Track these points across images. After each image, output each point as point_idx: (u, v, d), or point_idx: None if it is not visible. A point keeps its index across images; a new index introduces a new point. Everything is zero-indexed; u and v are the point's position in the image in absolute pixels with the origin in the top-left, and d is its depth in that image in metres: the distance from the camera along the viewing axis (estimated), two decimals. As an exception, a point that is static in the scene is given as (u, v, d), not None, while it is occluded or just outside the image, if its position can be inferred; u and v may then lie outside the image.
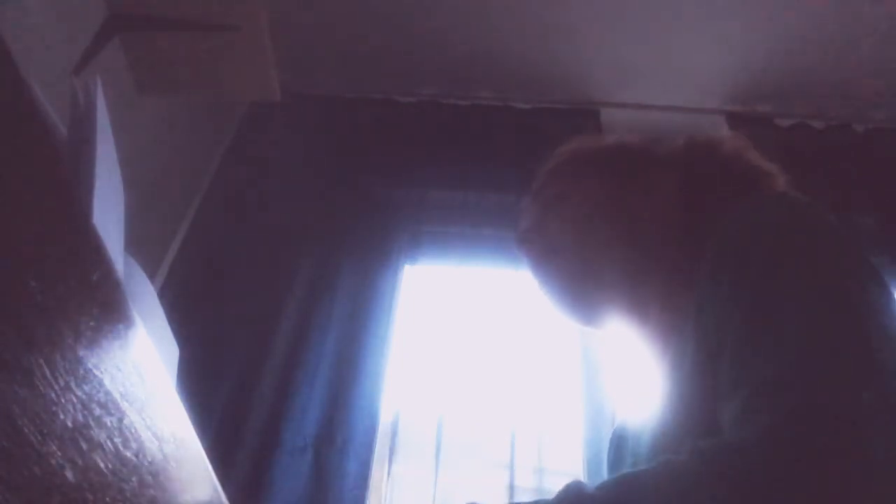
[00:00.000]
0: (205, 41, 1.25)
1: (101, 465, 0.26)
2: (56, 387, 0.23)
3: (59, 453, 0.23)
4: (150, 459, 0.31)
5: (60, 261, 0.25)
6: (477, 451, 1.46)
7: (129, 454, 0.29)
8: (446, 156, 1.72)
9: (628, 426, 0.82)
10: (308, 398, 1.30)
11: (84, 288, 0.26)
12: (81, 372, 0.25)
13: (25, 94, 0.25)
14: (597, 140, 0.91)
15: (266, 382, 1.31)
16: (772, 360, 0.47)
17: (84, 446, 0.25)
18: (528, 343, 1.58)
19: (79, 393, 0.25)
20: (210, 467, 0.46)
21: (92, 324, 0.26)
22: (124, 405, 0.28)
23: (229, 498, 0.53)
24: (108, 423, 0.27)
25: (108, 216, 0.38)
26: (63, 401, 0.23)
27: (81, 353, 0.25)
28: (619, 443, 0.82)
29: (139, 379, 0.31)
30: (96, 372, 0.26)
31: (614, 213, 0.77)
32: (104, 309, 0.27)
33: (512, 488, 1.37)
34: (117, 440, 0.28)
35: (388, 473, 1.36)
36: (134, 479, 0.30)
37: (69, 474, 0.24)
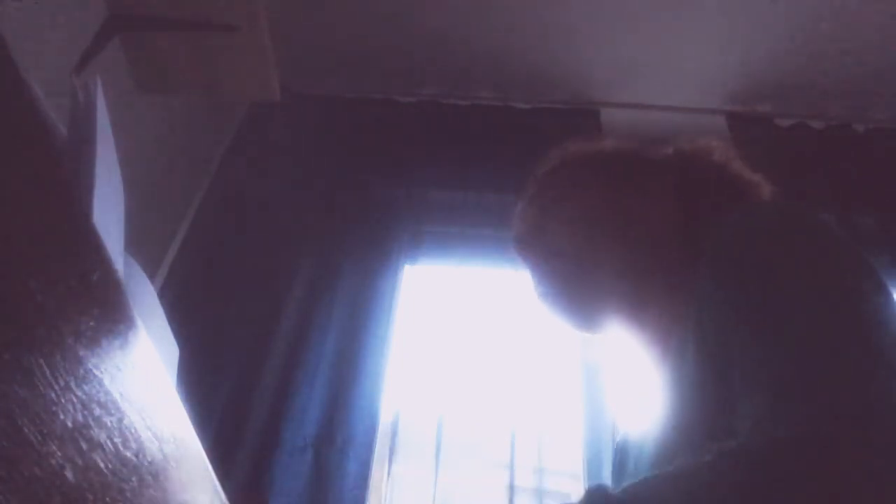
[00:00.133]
0: (205, 41, 1.25)
1: (101, 465, 0.26)
2: (56, 387, 0.23)
3: (59, 453, 0.23)
4: (150, 459, 0.31)
5: (60, 261, 0.25)
6: (477, 451, 1.47)
7: (129, 454, 0.29)
8: (446, 156, 1.72)
9: (631, 435, 0.82)
10: (308, 398, 1.30)
11: (84, 288, 0.26)
12: (81, 372, 0.25)
13: (25, 94, 0.25)
14: (592, 143, 0.91)
15: (266, 382, 1.31)
16: (789, 359, 0.47)
17: (84, 446, 0.25)
18: (527, 343, 1.58)
19: (79, 393, 0.25)
20: (210, 467, 0.46)
21: (92, 324, 0.26)
22: (124, 405, 0.28)
23: (229, 498, 0.53)
24: (108, 423, 0.27)
25: (108, 216, 0.38)
26: (63, 401, 0.23)
27: (81, 353, 0.25)
28: (623, 451, 0.82)
29: (139, 379, 0.31)
30: (96, 372, 0.26)
31: (612, 216, 0.78)
32: (104, 309, 0.27)
33: (512, 488, 1.37)
34: (117, 440, 0.28)
35: (388, 473, 1.36)
36: (134, 479, 0.30)
37: (69, 474, 0.24)
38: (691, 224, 0.74)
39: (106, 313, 0.28)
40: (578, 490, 1.33)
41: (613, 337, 0.79)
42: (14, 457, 0.21)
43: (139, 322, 0.31)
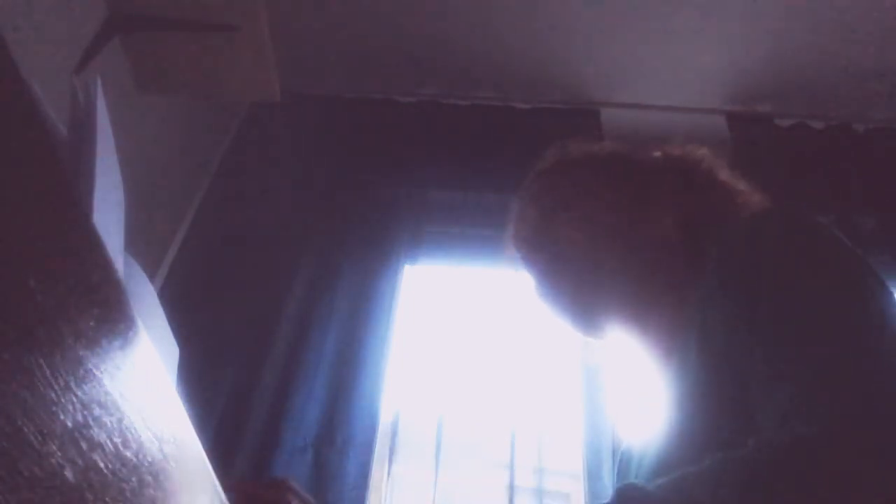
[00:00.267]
0: (205, 41, 1.25)
1: (101, 465, 0.26)
2: (56, 387, 0.23)
3: (59, 453, 0.23)
4: (150, 459, 0.31)
5: (60, 261, 0.25)
6: (477, 451, 1.47)
7: (129, 454, 0.29)
8: (446, 156, 1.72)
9: (633, 441, 0.81)
10: (308, 398, 1.30)
11: (84, 288, 0.26)
12: (81, 372, 0.25)
13: (25, 94, 0.25)
14: (589, 145, 0.91)
15: (266, 382, 1.31)
16: (809, 359, 0.48)
17: (84, 446, 0.25)
18: (528, 343, 1.57)
19: (79, 393, 0.25)
20: (210, 467, 0.46)
21: (92, 324, 0.26)
22: (124, 405, 0.28)
23: (229, 498, 0.53)
24: (108, 423, 0.27)
25: (108, 216, 0.38)
26: (63, 401, 0.23)
27: (81, 353, 0.25)
28: (625, 459, 0.82)
29: (139, 379, 0.31)
30: (96, 372, 0.26)
31: (614, 219, 0.78)
32: (104, 309, 0.27)
33: (512, 488, 1.37)
34: (117, 440, 0.28)
35: (388, 473, 1.36)
36: (134, 479, 0.30)
37: (69, 474, 0.24)
38: (690, 227, 0.75)
39: (106, 313, 0.28)
40: (578, 490, 1.33)
41: (615, 339, 0.78)
42: (14, 457, 0.21)
43: (139, 322, 0.31)
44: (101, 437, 0.26)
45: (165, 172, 1.50)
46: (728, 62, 1.75)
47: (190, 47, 1.26)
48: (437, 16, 1.68)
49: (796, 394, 0.47)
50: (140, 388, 0.31)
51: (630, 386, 0.88)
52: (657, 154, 0.86)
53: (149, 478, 0.31)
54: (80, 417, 0.25)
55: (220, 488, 0.49)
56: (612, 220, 0.78)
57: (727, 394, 0.55)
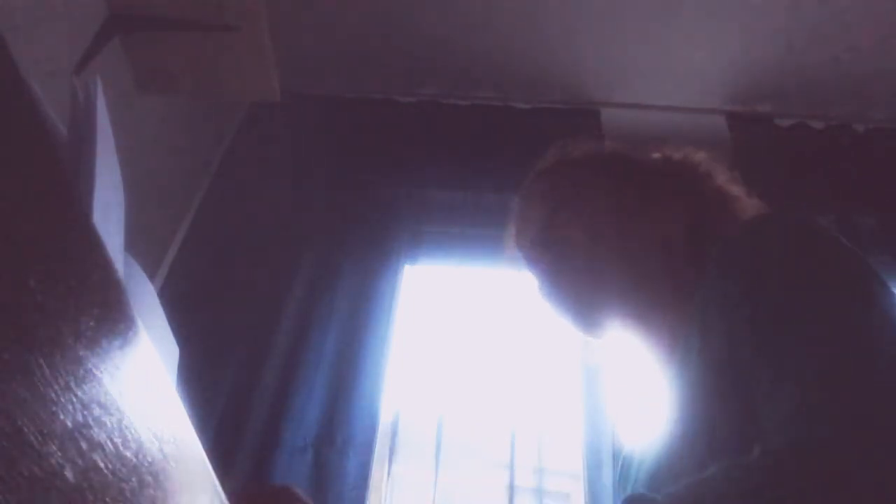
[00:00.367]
0: (205, 41, 1.25)
1: (101, 465, 0.26)
2: (56, 387, 0.23)
3: (59, 453, 0.23)
4: (150, 459, 0.31)
5: (60, 261, 0.25)
6: (477, 451, 1.47)
7: (129, 454, 0.29)
8: (446, 156, 1.72)
9: (635, 444, 0.81)
10: (308, 398, 1.30)
11: (84, 288, 0.26)
12: (81, 372, 0.25)
13: (25, 94, 0.25)
14: (591, 146, 0.91)
15: (266, 382, 1.31)
16: (814, 363, 0.47)
17: (84, 446, 0.25)
18: (527, 343, 1.58)
19: (79, 393, 0.25)
20: (210, 467, 0.46)
21: (92, 324, 0.26)
22: (124, 405, 0.28)
23: (229, 497, 0.53)
24: (108, 423, 0.27)
25: (108, 216, 0.38)
26: (63, 401, 0.23)
27: (81, 353, 0.25)
28: (626, 463, 0.82)
29: (139, 379, 0.31)
30: (96, 372, 0.26)
31: (620, 219, 0.78)
32: (104, 309, 0.27)
33: (512, 488, 1.37)
34: (117, 440, 0.28)
35: (388, 473, 1.36)
36: (134, 479, 0.30)
37: (69, 474, 0.24)
38: (690, 229, 0.75)
39: (106, 313, 0.28)
40: (578, 490, 1.33)
41: (616, 340, 0.78)
42: (14, 457, 0.21)
43: (139, 322, 0.31)
44: (101, 437, 0.26)
45: (165, 172, 1.50)
46: (728, 62, 1.75)
47: (190, 47, 1.27)
48: (437, 16, 1.68)
49: (799, 396, 0.46)
50: (140, 388, 0.31)
51: (631, 387, 0.88)
52: (657, 156, 0.86)
53: (149, 478, 0.31)
54: (80, 417, 0.25)
55: (220, 488, 0.49)
56: (614, 221, 0.78)
57: (728, 396, 0.55)
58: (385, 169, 1.70)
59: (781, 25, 1.66)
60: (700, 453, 0.55)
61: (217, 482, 0.49)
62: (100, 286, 0.27)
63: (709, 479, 0.45)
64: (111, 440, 0.27)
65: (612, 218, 0.78)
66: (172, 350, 0.52)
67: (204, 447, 0.43)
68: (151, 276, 1.38)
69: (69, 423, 0.24)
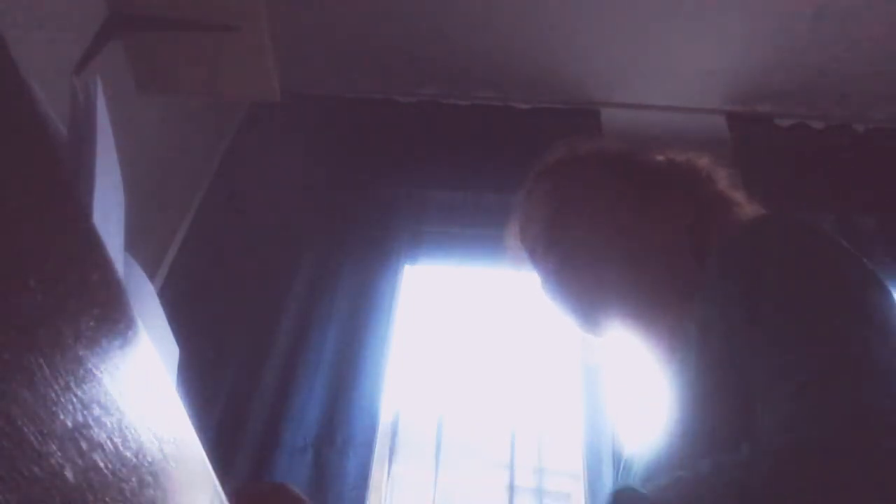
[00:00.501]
0: (205, 41, 1.25)
1: (101, 465, 0.26)
2: (56, 387, 0.23)
3: (59, 453, 0.23)
4: (150, 459, 0.31)
5: (60, 261, 0.25)
6: (477, 451, 1.47)
7: (129, 454, 0.29)
8: (446, 156, 1.72)
9: (635, 445, 0.82)
10: (308, 398, 1.30)
11: (84, 288, 0.26)
12: (81, 372, 0.25)
13: (25, 94, 0.25)
14: (595, 144, 0.91)
15: (266, 382, 1.31)
16: (811, 364, 0.47)
17: (84, 446, 0.25)
18: (527, 343, 1.57)
19: (79, 393, 0.25)
20: (210, 467, 0.46)
21: (92, 324, 0.26)
22: (124, 405, 0.28)
23: (229, 498, 0.53)
24: (108, 423, 0.27)
25: (108, 216, 0.38)
26: (63, 401, 0.23)
27: (81, 353, 0.25)
28: (627, 464, 0.82)
29: (139, 379, 0.31)
30: (96, 372, 0.26)
31: (621, 222, 0.78)
32: (104, 309, 0.27)
33: (512, 488, 1.37)
34: (117, 440, 0.28)
35: (388, 473, 1.36)
36: (134, 479, 0.30)
37: (69, 474, 0.24)
38: (692, 231, 0.76)
39: (106, 313, 0.28)
40: (578, 490, 1.33)
41: (618, 339, 0.79)
42: (14, 457, 0.21)
43: (139, 322, 0.31)
44: (101, 437, 0.26)
45: (165, 172, 1.50)
46: (728, 62, 1.75)
47: (190, 47, 1.27)
48: (437, 16, 1.68)
49: (795, 397, 0.46)
50: (140, 388, 0.31)
51: (631, 387, 0.88)
52: (661, 158, 0.87)
53: (149, 478, 0.31)
54: (80, 417, 0.25)
55: (220, 488, 0.49)
56: (617, 221, 0.78)
57: (726, 396, 0.55)
58: (385, 169, 1.70)
59: (781, 25, 1.66)
60: (699, 453, 0.55)
61: (217, 482, 0.49)
62: (100, 286, 0.27)
63: (697, 476, 0.46)
64: (111, 440, 0.27)
65: (614, 218, 0.78)
66: (172, 350, 0.52)
67: (204, 447, 0.43)
68: (151, 276, 1.38)
69: (69, 423, 0.24)
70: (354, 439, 1.25)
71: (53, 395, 0.23)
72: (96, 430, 0.26)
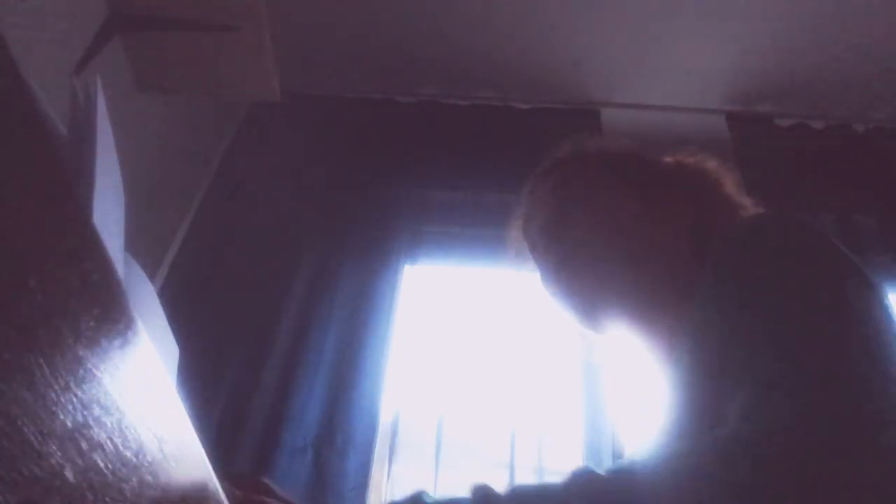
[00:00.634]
0: (205, 41, 1.25)
1: (101, 465, 0.26)
2: (56, 387, 0.23)
3: (59, 453, 0.23)
4: (150, 459, 0.31)
5: (60, 261, 0.25)
6: (477, 451, 1.46)
7: (129, 454, 0.29)
8: (446, 156, 1.72)
9: (636, 450, 0.82)
10: (308, 398, 1.30)
11: (84, 288, 0.26)
12: (81, 372, 0.25)
13: (25, 94, 0.25)
14: (604, 142, 0.92)
15: (266, 382, 1.31)
16: (775, 359, 0.48)
17: (84, 446, 0.25)
18: (528, 343, 1.57)
19: (79, 393, 0.25)
20: (210, 467, 0.46)
21: (92, 324, 0.26)
22: (124, 405, 0.28)
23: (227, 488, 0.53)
24: (108, 423, 0.27)
25: (108, 216, 0.38)
26: (63, 401, 0.23)
27: (81, 353, 0.25)
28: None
29: (139, 379, 0.31)
30: (96, 372, 0.26)
31: (625, 221, 0.78)
32: (104, 309, 0.27)
33: (512, 488, 1.37)
34: (117, 440, 0.28)
35: (388, 473, 1.36)
36: (134, 479, 0.30)
37: (69, 474, 0.24)
38: (694, 234, 0.76)
39: (106, 313, 0.28)
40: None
41: (617, 336, 0.79)
42: (14, 457, 0.21)
43: (139, 322, 0.31)
44: (101, 437, 0.26)
45: (165, 172, 1.50)
46: (728, 62, 1.75)
47: (190, 47, 1.27)
48: (437, 16, 1.68)
49: (753, 394, 0.47)
50: (140, 388, 0.31)
51: (631, 386, 0.88)
52: (669, 160, 0.87)
53: (149, 478, 0.31)
54: (80, 417, 0.25)
55: (220, 489, 0.49)
56: (619, 221, 0.78)
57: (714, 395, 0.55)
58: (385, 169, 1.70)
59: (781, 25, 1.66)
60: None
61: (217, 482, 0.49)
62: (100, 286, 0.27)
63: (649, 461, 0.47)
64: (111, 440, 0.27)
65: (615, 217, 0.78)
66: (172, 350, 0.52)
67: (204, 447, 0.43)
68: (151, 276, 1.38)
69: (69, 423, 0.24)
70: (354, 439, 1.25)
71: (53, 395, 0.23)
72: (96, 430, 0.26)
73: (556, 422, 1.49)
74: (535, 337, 1.57)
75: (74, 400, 0.24)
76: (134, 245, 0.46)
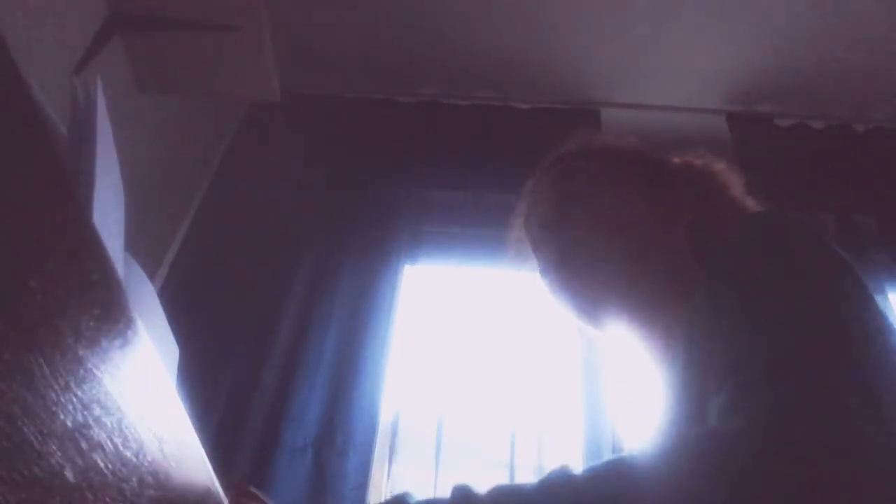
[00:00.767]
0: (205, 41, 1.25)
1: (101, 465, 0.26)
2: (56, 387, 0.23)
3: (59, 453, 0.23)
4: (150, 459, 0.31)
5: (60, 261, 0.25)
6: (477, 451, 1.46)
7: (129, 454, 0.29)
8: (446, 156, 1.72)
9: (633, 442, 0.82)
10: (308, 398, 1.30)
11: (84, 288, 0.26)
12: (81, 372, 0.25)
13: (25, 94, 0.25)
14: (613, 139, 0.91)
15: (266, 382, 1.31)
16: (764, 359, 0.48)
17: (84, 446, 0.25)
18: (528, 343, 1.58)
19: (79, 393, 0.25)
20: (210, 467, 0.46)
21: (92, 324, 0.26)
22: (124, 405, 0.28)
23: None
24: (108, 423, 0.27)
25: (108, 216, 0.38)
26: (63, 401, 0.23)
27: (81, 353, 0.25)
28: None
29: (139, 379, 0.31)
30: (96, 372, 0.26)
31: (628, 219, 0.78)
32: (104, 309, 0.27)
33: (512, 488, 1.37)
34: (117, 440, 0.28)
35: (388, 473, 1.36)
36: (134, 479, 0.30)
37: (69, 474, 0.24)
38: (696, 235, 0.76)
39: (106, 313, 0.28)
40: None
41: (615, 334, 0.79)
42: (14, 457, 0.21)
43: (139, 322, 0.31)
44: (101, 437, 0.26)
45: (165, 172, 1.50)
46: (728, 62, 1.75)
47: (190, 47, 1.27)
48: (437, 16, 1.68)
49: (741, 385, 0.47)
50: (140, 388, 0.31)
51: (631, 385, 0.88)
52: (676, 160, 0.87)
53: (149, 478, 0.31)
54: (80, 417, 0.25)
55: (220, 488, 0.49)
56: (619, 220, 0.78)
57: (702, 388, 0.56)
58: (385, 169, 1.70)
59: (781, 25, 1.66)
60: None
61: (217, 482, 0.49)
62: (100, 286, 0.27)
63: (627, 457, 0.48)
64: (111, 440, 0.27)
65: (616, 216, 0.78)
66: (172, 350, 0.52)
67: (204, 447, 0.43)
68: (151, 276, 1.38)
69: (69, 423, 0.24)
70: (354, 439, 1.25)
71: (53, 395, 0.23)
72: (96, 430, 0.26)
73: (556, 422, 1.49)
74: (534, 337, 1.57)
75: (74, 400, 0.24)
76: (134, 245, 0.46)
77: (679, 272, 0.73)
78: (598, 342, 0.88)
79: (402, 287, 1.52)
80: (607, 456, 1.30)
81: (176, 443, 0.36)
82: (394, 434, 1.40)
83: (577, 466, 0.55)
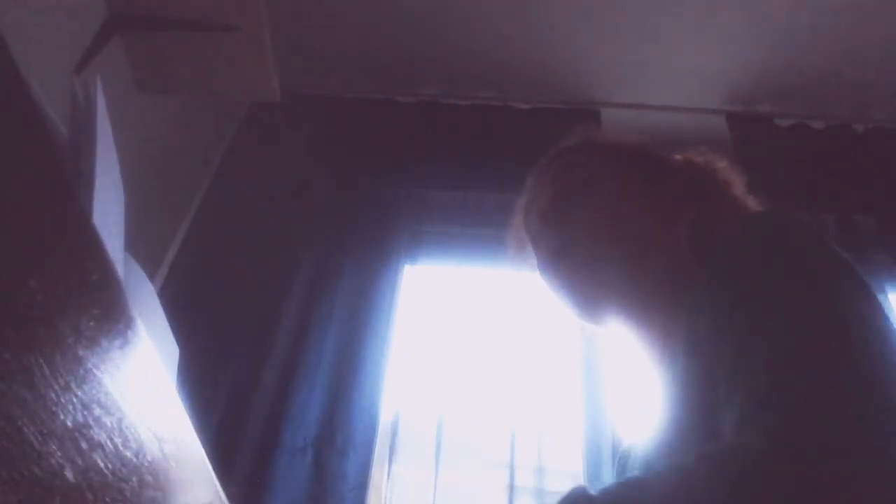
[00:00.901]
0: (205, 41, 1.25)
1: (101, 465, 0.26)
2: (56, 387, 0.23)
3: (59, 453, 0.23)
4: (150, 459, 0.31)
5: (60, 261, 0.25)
6: (477, 451, 1.46)
7: (129, 454, 0.29)
8: (446, 156, 1.72)
9: (632, 442, 0.82)
10: (308, 398, 1.30)
11: (84, 288, 0.26)
12: (81, 372, 0.25)
13: (25, 94, 0.25)
14: (616, 135, 0.91)
15: (266, 382, 1.31)
16: (770, 365, 0.47)
17: (84, 446, 0.25)
18: (527, 343, 1.57)
19: (79, 393, 0.25)
20: (210, 467, 0.46)
21: (92, 324, 0.26)
22: (124, 405, 0.28)
23: (229, 498, 0.53)
24: (108, 423, 0.27)
25: (108, 216, 0.38)
26: (63, 401, 0.23)
27: (81, 353, 0.25)
28: (624, 460, 0.82)
29: (139, 379, 0.31)
30: (96, 372, 0.26)
31: (628, 216, 0.78)
32: (104, 309, 0.27)
33: (512, 488, 1.37)
34: (117, 440, 0.28)
35: (388, 473, 1.36)
36: (134, 479, 0.30)
37: (69, 474, 0.24)
38: (696, 234, 0.76)
39: (106, 313, 0.28)
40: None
41: (614, 332, 0.79)
42: (14, 457, 0.21)
43: (139, 322, 0.31)
44: (101, 437, 0.26)
45: (165, 172, 1.50)
46: (728, 62, 1.75)
47: (190, 47, 1.27)
48: (437, 16, 1.68)
49: (751, 396, 0.46)
50: (140, 388, 0.31)
51: (630, 385, 0.88)
52: (678, 157, 0.86)
53: (149, 478, 0.31)
54: (80, 417, 0.25)
55: (220, 488, 0.49)
56: (619, 217, 0.77)
57: (707, 396, 0.55)
58: (385, 169, 1.70)
59: (781, 25, 1.66)
60: (689, 448, 0.56)
61: (217, 482, 0.49)
62: (100, 286, 0.27)
63: (644, 477, 0.46)
64: (111, 440, 0.27)
65: (615, 215, 0.78)
66: (172, 350, 0.52)
67: (204, 447, 0.43)
68: (151, 276, 1.38)
69: (69, 423, 0.24)
70: (354, 439, 1.25)
71: (53, 395, 0.23)
72: (96, 430, 0.26)
73: (556, 422, 1.49)
74: (534, 337, 1.57)
75: (74, 400, 0.24)
76: (134, 245, 0.46)
77: (678, 272, 0.73)
78: (598, 338, 0.88)
79: (402, 287, 1.52)
80: (607, 455, 1.30)
81: (176, 443, 0.36)
82: (394, 434, 1.40)
83: (590, 486, 0.52)
